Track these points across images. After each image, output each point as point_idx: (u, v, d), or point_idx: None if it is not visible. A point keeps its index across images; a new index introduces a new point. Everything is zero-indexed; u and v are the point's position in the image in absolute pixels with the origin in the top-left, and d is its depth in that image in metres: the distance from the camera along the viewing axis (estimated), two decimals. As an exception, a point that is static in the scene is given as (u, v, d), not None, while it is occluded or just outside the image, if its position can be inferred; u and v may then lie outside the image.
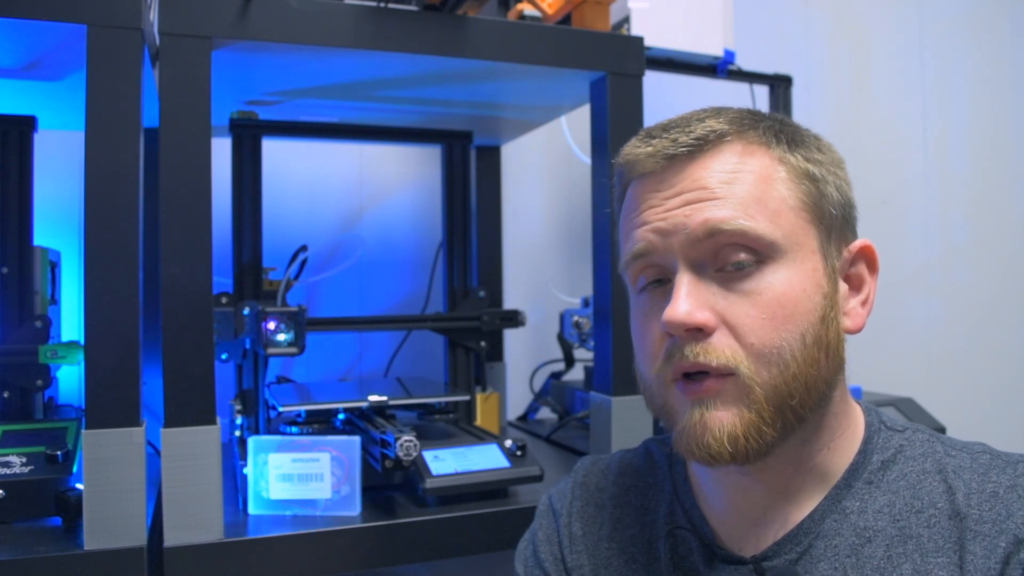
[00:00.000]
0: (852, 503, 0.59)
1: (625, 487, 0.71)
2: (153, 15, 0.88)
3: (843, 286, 0.60)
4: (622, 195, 0.64)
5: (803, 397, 0.55)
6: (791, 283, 0.55)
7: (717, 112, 0.60)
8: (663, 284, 0.59)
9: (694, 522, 0.64)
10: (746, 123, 0.59)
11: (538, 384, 1.58)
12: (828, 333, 0.57)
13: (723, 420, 0.55)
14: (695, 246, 0.56)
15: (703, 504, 0.65)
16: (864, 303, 0.61)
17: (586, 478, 0.74)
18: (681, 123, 0.59)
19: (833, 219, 0.59)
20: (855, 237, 0.62)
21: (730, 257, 0.55)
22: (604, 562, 0.67)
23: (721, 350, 0.55)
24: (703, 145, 0.57)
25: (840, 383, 0.60)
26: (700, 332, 0.55)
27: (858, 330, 0.60)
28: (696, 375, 0.56)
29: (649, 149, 0.58)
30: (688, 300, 0.55)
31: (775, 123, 0.60)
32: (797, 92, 1.59)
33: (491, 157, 1.55)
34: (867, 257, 0.61)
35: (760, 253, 0.55)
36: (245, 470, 0.94)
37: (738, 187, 0.56)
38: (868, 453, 0.61)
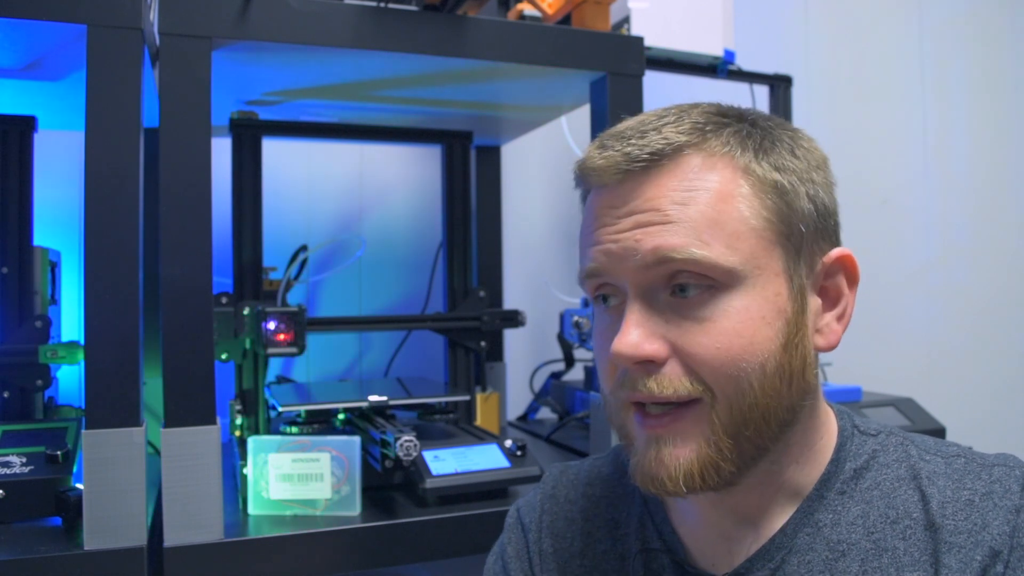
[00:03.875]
0: (825, 515, 0.57)
1: (595, 499, 0.68)
2: (153, 15, 0.88)
3: (815, 301, 0.56)
4: (584, 199, 0.60)
5: (760, 427, 0.53)
6: (748, 312, 0.52)
7: (679, 116, 0.55)
8: (619, 301, 0.56)
9: (665, 538, 0.62)
10: (708, 130, 0.54)
11: (538, 384, 1.58)
12: (792, 361, 0.53)
13: (679, 457, 0.52)
14: (645, 272, 0.52)
15: (674, 517, 0.63)
16: (840, 318, 0.57)
17: (555, 489, 0.71)
18: (637, 132, 0.54)
19: (803, 236, 0.54)
20: (834, 246, 0.57)
21: (683, 283, 0.52)
22: None
23: (677, 380, 0.52)
24: (658, 160, 0.53)
25: (811, 400, 0.57)
26: (651, 364, 0.52)
27: (831, 348, 0.56)
28: (652, 407, 0.53)
29: (603, 163, 0.54)
30: (636, 330, 0.52)
31: (743, 126, 0.55)
32: (797, 92, 1.59)
33: (491, 157, 1.55)
34: (846, 268, 0.57)
35: (715, 280, 0.52)
36: (245, 470, 0.94)
37: (692, 209, 0.52)
38: (840, 461, 0.58)
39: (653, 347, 0.52)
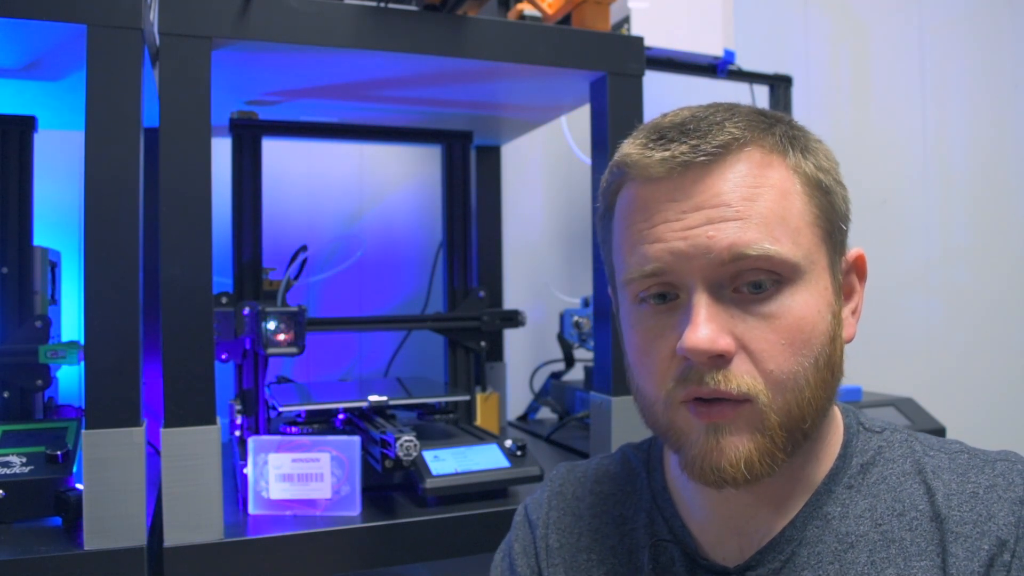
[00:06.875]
0: (834, 508, 0.58)
1: (603, 495, 0.69)
2: (153, 15, 0.88)
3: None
4: (616, 192, 0.59)
5: (815, 419, 0.55)
6: (808, 306, 0.53)
7: (730, 112, 0.56)
8: (667, 299, 0.55)
9: (675, 531, 0.63)
10: (762, 127, 0.55)
11: (538, 384, 1.58)
12: (835, 352, 0.55)
13: (738, 446, 0.53)
14: (716, 269, 0.52)
15: (683, 512, 0.64)
16: (854, 312, 0.60)
17: (562, 487, 0.71)
18: (698, 126, 0.54)
19: (841, 233, 0.57)
20: (847, 246, 0.60)
21: (750, 279, 0.53)
22: (583, 574, 0.65)
23: (741, 377, 0.52)
24: (723, 153, 0.53)
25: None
26: (720, 358, 0.52)
27: (850, 340, 0.58)
28: (710, 399, 0.54)
29: (665, 154, 0.53)
30: (709, 325, 0.51)
31: (787, 127, 0.57)
32: (797, 92, 1.59)
33: (491, 157, 1.55)
34: (859, 267, 0.60)
35: (781, 275, 0.53)
36: (245, 470, 0.94)
37: (760, 204, 0.52)
38: (848, 457, 0.60)
39: (726, 342, 0.52)
